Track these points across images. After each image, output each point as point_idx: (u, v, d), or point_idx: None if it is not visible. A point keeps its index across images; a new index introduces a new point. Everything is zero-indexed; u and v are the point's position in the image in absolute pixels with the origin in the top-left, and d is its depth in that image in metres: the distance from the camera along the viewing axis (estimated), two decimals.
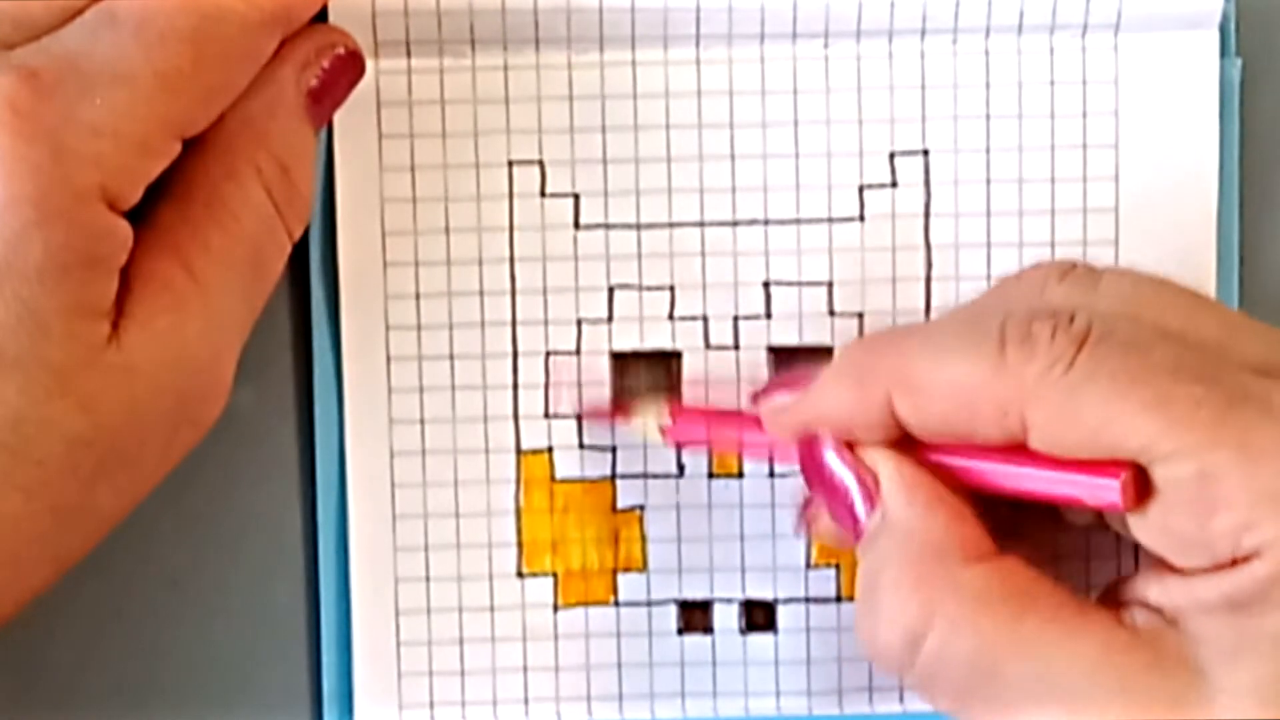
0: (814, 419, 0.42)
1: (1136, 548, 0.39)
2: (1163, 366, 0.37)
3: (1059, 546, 0.44)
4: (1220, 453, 0.36)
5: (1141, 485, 0.37)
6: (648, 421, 0.46)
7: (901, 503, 0.40)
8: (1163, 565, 0.38)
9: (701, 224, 0.47)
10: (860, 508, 0.41)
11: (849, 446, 0.41)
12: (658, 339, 0.47)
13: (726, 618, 0.48)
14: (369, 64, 0.45)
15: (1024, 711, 0.38)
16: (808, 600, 0.48)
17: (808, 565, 0.48)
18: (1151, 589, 0.39)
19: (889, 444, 0.41)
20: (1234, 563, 0.37)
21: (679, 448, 0.47)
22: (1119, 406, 0.37)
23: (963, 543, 0.40)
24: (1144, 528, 0.38)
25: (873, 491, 0.41)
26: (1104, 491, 0.38)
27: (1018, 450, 0.39)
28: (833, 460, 0.41)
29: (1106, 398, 0.37)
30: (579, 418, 0.47)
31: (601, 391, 0.47)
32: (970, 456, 0.40)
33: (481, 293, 0.47)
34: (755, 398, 0.44)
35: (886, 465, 0.41)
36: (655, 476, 0.48)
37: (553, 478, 0.48)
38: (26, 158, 0.37)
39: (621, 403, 0.47)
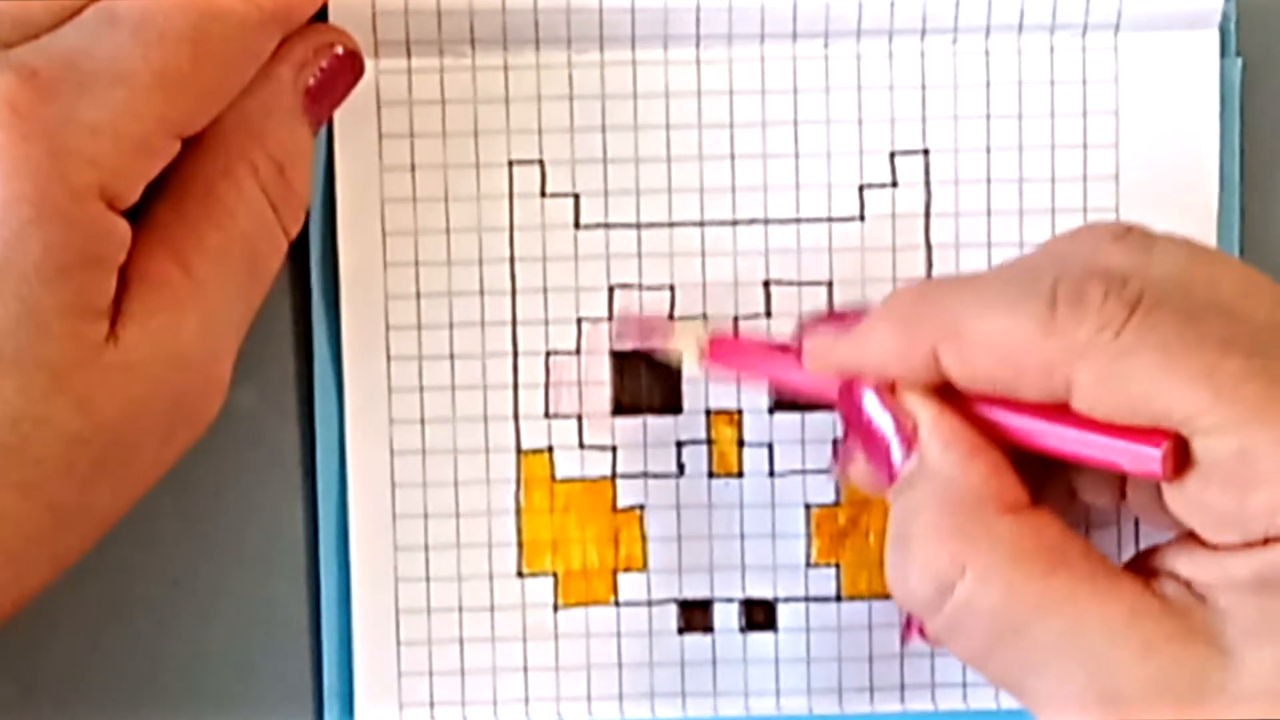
0: (857, 361, 0.41)
1: (1138, 529, 0.39)
2: (1212, 338, 0.37)
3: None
4: (1263, 430, 0.36)
5: (1181, 456, 0.37)
6: (687, 344, 0.46)
7: (940, 449, 0.40)
8: (1194, 540, 0.38)
9: (701, 224, 0.47)
10: (897, 452, 0.41)
11: (890, 390, 0.41)
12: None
13: (727, 617, 0.48)
14: (369, 64, 0.45)
15: (1046, 668, 0.38)
16: (808, 599, 0.48)
17: (808, 564, 0.48)
18: (1181, 562, 0.38)
19: (930, 391, 0.40)
20: (1266, 541, 0.37)
21: (720, 372, 0.47)
22: (1166, 376, 0.37)
23: (999, 493, 0.39)
24: (1179, 500, 0.38)
25: (910, 437, 0.40)
26: (1145, 460, 0.37)
27: (1060, 411, 0.39)
28: (872, 403, 0.41)
29: (1154, 366, 0.37)
30: (578, 418, 0.47)
31: (602, 391, 0.47)
32: (1012, 412, 0.40)
33: (482, 292, 0.47)
34: (802, 330, 0.43)
35: (926, 412, 0.40)
36: (655, 476, 0.48)
37: (553, 477, 0.48)
38: (25, 157, 0.37)
39: (660, 323, 0.47)
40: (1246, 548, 0.37)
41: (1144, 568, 0.39)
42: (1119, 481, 0.42)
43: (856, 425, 0.41)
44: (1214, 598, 0.38)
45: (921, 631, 0.43)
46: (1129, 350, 0.37)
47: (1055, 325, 0.38)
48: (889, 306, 0.41)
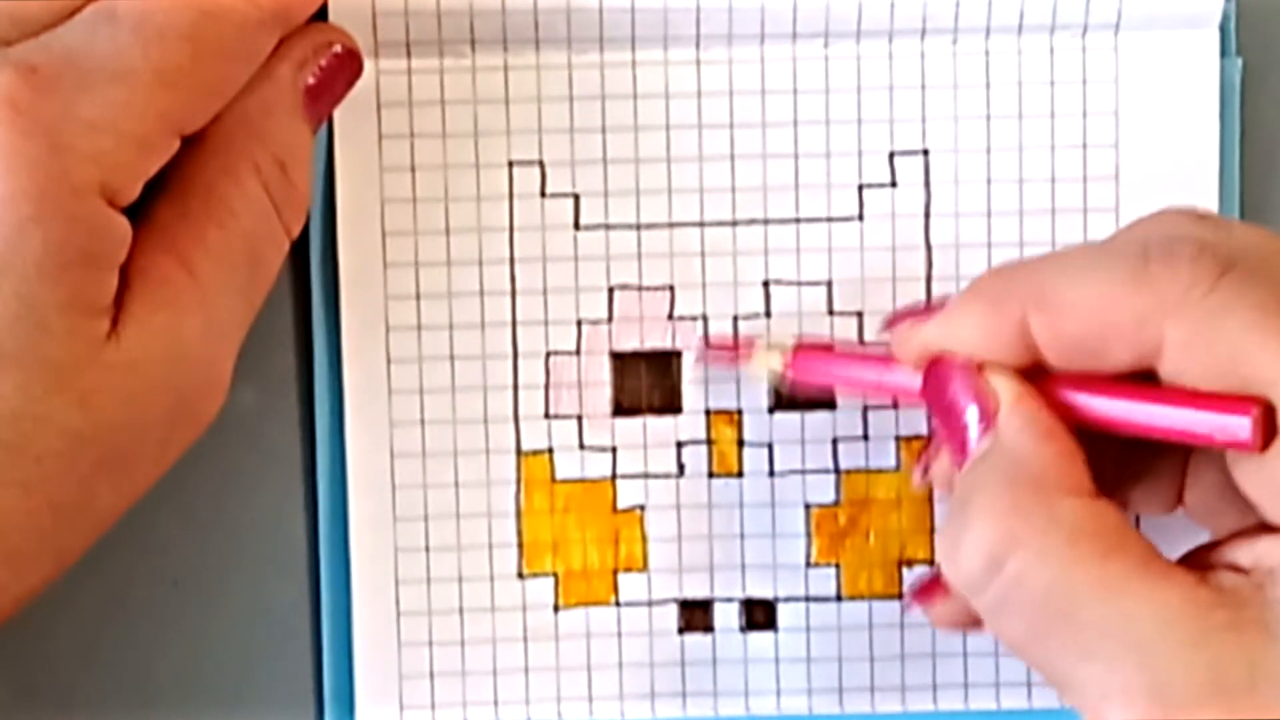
0: (946, 339, 0.41)
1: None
2: None
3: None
4: None
5: (1270, 425, 0.37)
6: (770, 359, 0.46)
7: (1017, 427, 0.40)
8: (1257, 530, 0.38)
9: (701, 224, 0.47)
10: (974, 430, 0.40)
11: (977, 369, 0.41)
12: (658, 339, 0.47)
13: (727, 617, 0.48)
14: (369, 64, 0.45)
15: (1095, 654, 0.37)
16: (808, 599, 0.48)
17: (808, 564, 0.48)
18: (1242, 552, 0.38)
19: (1016, 373, 0.40)
20: None
21: (806, 385, 0.46)
22: (1257, 336, 0.36)
23: (1066, 477, 0.39)
24: (1254, 476, 0.38)
25: (991, 415, 0.40)
26: (1234, 428, 0.37)
27: (1145, 387, 0.38)
28: (958, 382, 0.41)
29: (1245, 326, 0.36)
30: (578, 419, 0.47)
31: (602, 392, 0.47)
32: (1098, 391, 0.39)
33: (482, 293, 0.47)
34: (887, 323, 0.43)
35: (1009, 391, 0.40)
36: (655, 476, 0.48)
37: (553, 478, 0.48)
38: (25, 153, 0.37)
39: (741, 341, 0.47)
40: None
41: (1199, 563, 0.39)
42: (1177, 488, 0.42)
43: (940, 407, 0.41)
44: (1272, 584, 0.37)
45: (919, 596, 0.43)
46: (1220, 308, 0.37)
47: (1149, 278, 0.37)
48: (977, 283, 0.41)
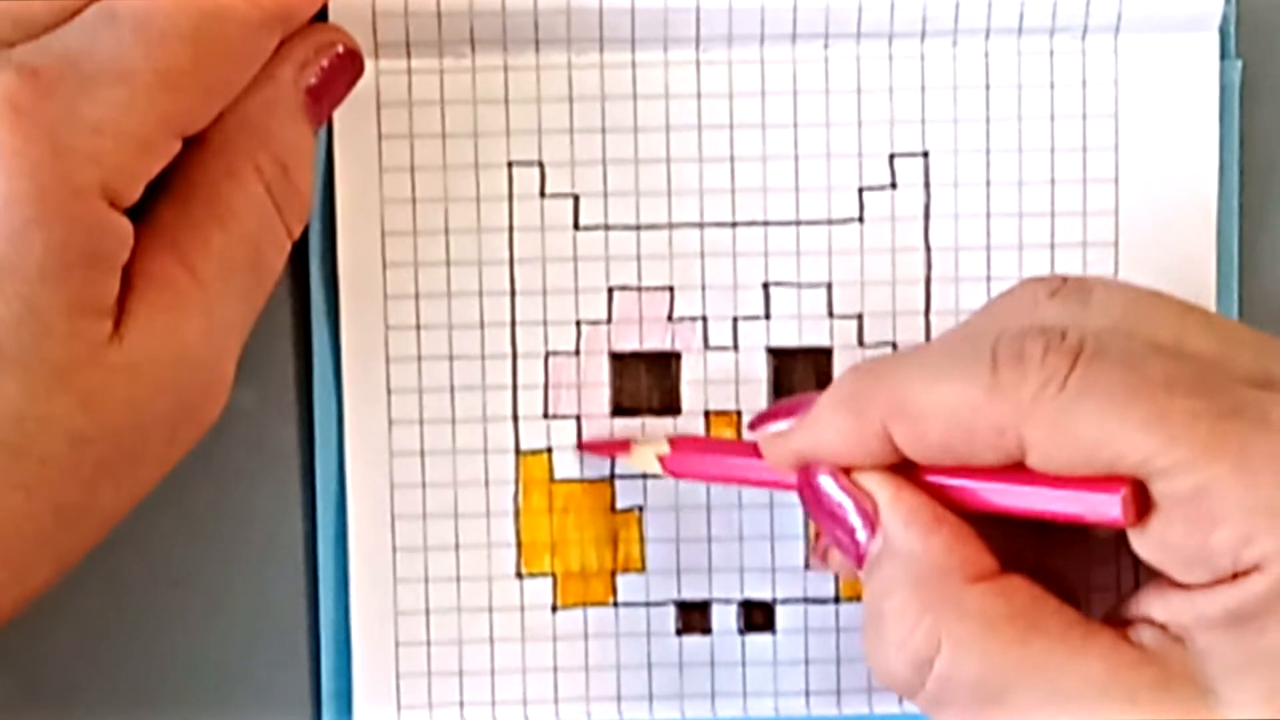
0: (811, 448, 0.41)
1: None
2: (1157, 381, 0.37)
3: (1087, 564, 0.44)
4: (1217, 466, 0.36)
5: (1142, 501, 0.37)
6: (647, 454, 0.46)
7: (901, 526, 0.40)
8: (1166, 582, 0.38)
9: (701, 225, 0.47)
10: (861, 534, 0.41)
11: (846, 472, 0.41)
12: (657, 340, 0.48)
13: (725, 618, 0.48)
14: (369, 64, 0.45)
15: None
16: (806, 601, 0.48)
17: (806, 566, 0.48)
18: (1155, 606, 0.38)
19: (887, 469, 0.41)
20: (1234, 577, 0.37)
21: (677, 478, 0.47)
22: (1115, 422, 0.37)
23: (964, 563, 0.39)
24: (1145, 543, 0.38)
25: (872, 517, 0.41)
26: (1105, 507, 0.38)
27: (1017, 470, 0.39)
28: (830, 488, 0.41)
29: (1102, 414, 0.37)
30: (580, 444, 0.47)
31: (601, 392, 0.47)
32: (969, 478, 0.40)
33: (481, 293, 0.47)
34: (752, 425, 0.43)
35: (884, 490, 0.40)
36: (654, 477, 0.48)
37: (552, 478, 0.48)
38: (26, 155, 0.37)
39: (620, 439, 0.47)
40: (1216, 584, 0.37)
41: (1119, 618, 0.39)
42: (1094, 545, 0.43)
43: (820, 512, 0.42)
44: (1191, 638, 0.38)
45: (824, 556, 0.44)
46: (1075, 402, 0.37)
47: (1000, 386, 0.38)
48: (835, 391, 0.41)
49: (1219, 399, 0.37)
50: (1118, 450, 0.37)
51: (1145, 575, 0.39)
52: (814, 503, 0.42)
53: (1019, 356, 0.38)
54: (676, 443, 0.46)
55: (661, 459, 0.46)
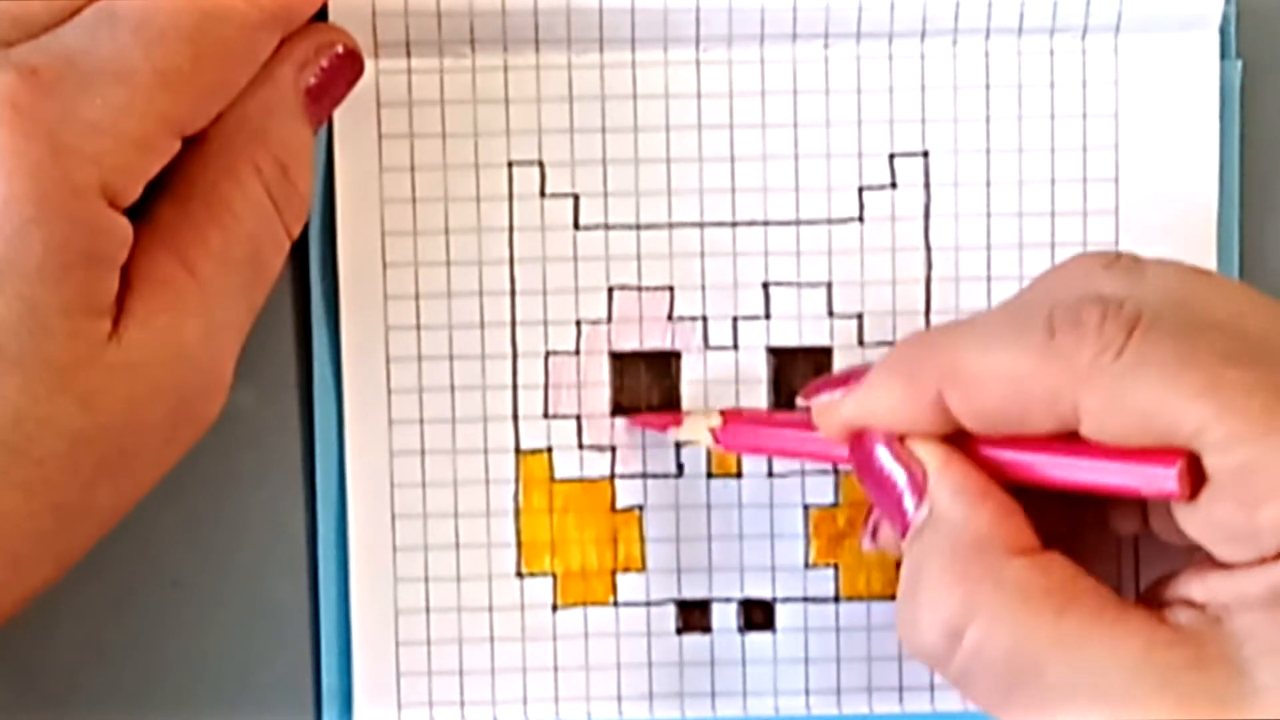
0: (864, 415, 0.41)
1: (1176, 556, 0.39)
2: (1214, 353, 0.37)
3: (1102, 554, 0.43)
4: (1271, 441, 0.36)
5: (1196, 475, 0.37)
6: (699, 426, 0.46)
7: (948, 495, 0.40)
8: (1207, 562, 0.38)
9: (701, 225, 0.47)
10: (909, 502, 0.41)
11: (899, 440, 0.41)
12: (657, 340, 0.48)
13: (725, 617, 0.48)
14: (369, 64, 0.45)
15: (1064, 709, 0.37)
16: (806, 600, 0.48)
17: (806, 565, 0.48)
18: (1195, 587, 0.38)
19: (940, 439, 0.40)
20: (1279, 556, 0.36)
21: (734, 453, 0.47)
22: (1171, 392, 0.36)
23: (1007, 537, 0.39)
24: (1191, 519, 0.38)
25: (921, 485, 0.40)
26: (1161, 480, 0.37)
27: (1071, 442, 0.39)
28: (883, 455, 0.41)
29: (1158, 384, 0.37)
30: (577, 419, 0.47)
31: (601, 392, 0.47)
32: (1024, 449, 0.40)
33: (481, 293, 0.47)
34: (806, 394, 0.43)
35: (935, 459, 0.40)
36: (654, 476, 0.48)
37: (552, 478, 0.48)
38: (26, 155, 0.37)
39: (673, 411, 0.47)
40: (1260, 564, 0.37)
41: (1156, 599, 0.39)
42: (1134, 525, 0.42)
43: (870, 480, 0.41)
44: (1228, 618, 0.37)
45: (875, 533, 0.44)
46: (1131, 370, 0.37)
47: (1055, 352, 0.38)
48: (891, 358, 0.41)
49: (1272, 373, 0.36)
50: (1172, 420, 0.37)
51: (1185, 559, 0.39)
52: (865, 470, 0.41)
53: (1075, 323, 0.38)
54: (729, 415, 0.46)
55: (713, 431, 0.46)
